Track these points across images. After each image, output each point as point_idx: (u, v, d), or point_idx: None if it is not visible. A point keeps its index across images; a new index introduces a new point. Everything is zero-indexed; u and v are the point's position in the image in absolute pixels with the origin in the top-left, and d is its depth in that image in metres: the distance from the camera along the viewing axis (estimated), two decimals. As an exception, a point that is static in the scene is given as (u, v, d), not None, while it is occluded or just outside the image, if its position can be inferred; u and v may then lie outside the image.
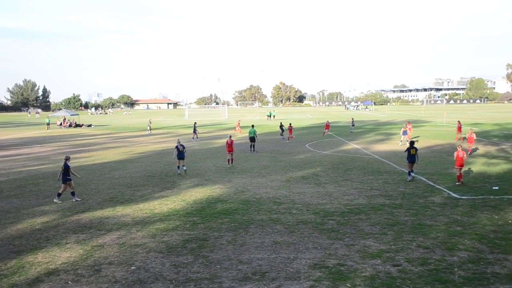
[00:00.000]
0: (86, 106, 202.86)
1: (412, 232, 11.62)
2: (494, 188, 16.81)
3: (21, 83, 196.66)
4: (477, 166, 22.06)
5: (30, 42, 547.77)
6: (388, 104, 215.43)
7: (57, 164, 24.75)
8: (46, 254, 10.57)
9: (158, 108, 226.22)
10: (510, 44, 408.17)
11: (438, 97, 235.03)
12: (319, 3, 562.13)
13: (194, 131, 41.62)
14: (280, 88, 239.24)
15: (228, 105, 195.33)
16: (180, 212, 14.27)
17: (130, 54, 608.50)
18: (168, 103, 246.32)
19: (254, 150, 30.00)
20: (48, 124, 63.19)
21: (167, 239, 11.54)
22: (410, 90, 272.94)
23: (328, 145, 33.69)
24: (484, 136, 37.62)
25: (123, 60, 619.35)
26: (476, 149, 28.90)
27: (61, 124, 66.94)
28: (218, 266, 9.59)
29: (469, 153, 25.91)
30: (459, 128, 35.27)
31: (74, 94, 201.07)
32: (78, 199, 16.11)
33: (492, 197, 15.45)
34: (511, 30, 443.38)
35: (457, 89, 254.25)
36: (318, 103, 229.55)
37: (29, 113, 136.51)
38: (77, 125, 67.08)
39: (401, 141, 33.20)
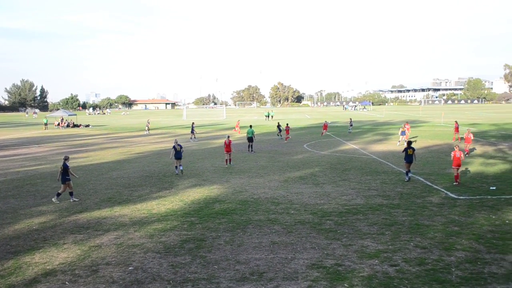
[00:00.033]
0: (84, 106, 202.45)
1: (410, 232, 11.64)
2: (491, 188, 16.86)
3: (19, 83, 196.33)
4: (475, 166, 22.12)
5: (29, 42, 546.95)
6: (386, 104, 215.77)
7: (55, 165, 24.73)
8: (43, 255, 10.55)
9: (156, 108, 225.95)
10: (508, 44, 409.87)
11: (436, 97, 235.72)
12: (317, 3, 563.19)
13: (192, 131, 41.62)
14: (278, 88, 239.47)
15: (226, 105, 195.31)
16: (178, 212, 14.26)
17: (129, 54, 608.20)
18: (166, 103, 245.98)
19: (252, 150, 30.00)
20: (45, 124, 63.08)
21: (164, 239, 11.53)
22: (408, 90, 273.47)
23: (326, 145, 33.71)
24: (481, 136, 37.72)
25: (121, 60, 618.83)
26: (474, 149, 28.97)
27: (58, 124, 66.79)
28: (215, 267, 9.59)
29: (466, 153, 25.97)
30: (457, 128, 35.38)
31: (72, 94, 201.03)
32: (76, 200, 16.09)
33: (489, 197, 15.49)
34: (509, 31, 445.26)
35: (455, 89, 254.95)
36: (316, 103, 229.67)
37: (27, 113, 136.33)
38: (74, 125, 66.95)
39: (399, 141, 33.25)
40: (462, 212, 13.52)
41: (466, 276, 8.83)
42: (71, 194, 16.14)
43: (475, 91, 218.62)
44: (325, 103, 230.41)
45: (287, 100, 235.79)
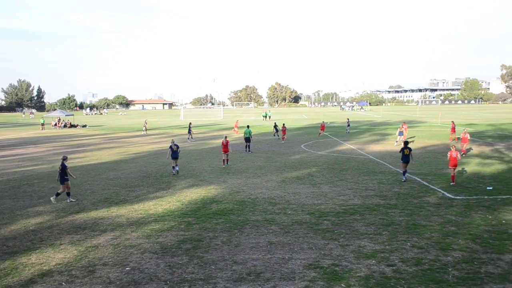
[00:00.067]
0: (81, 106, 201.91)
1: (407, 232, 11.67)
2: (488, 188, 16.91)
3: (16, 83, 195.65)
4: (471, 167, 22.18)
5: (28, 42, 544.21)
6: (384, 104, 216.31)
7: (52, 165, 24.67)
8: (40, 255, 10.52)
9: (154, 108, 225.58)
10: (505, 45, 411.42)
11: (433, 97, 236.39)
12: (315, 3, 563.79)
13: (189, 132, 41.60)
14: (276, 88, 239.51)
15: (224, 105, 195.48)
16: (175, 212, 14.24)
17: (126, 54, 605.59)
18: (164, 104, 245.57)
19: (249, 151, 30.00)
20: (42, 124, 62.86)
21: (162, 239, 11.52)
22: (405, 91, 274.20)
23: (323, 146, 33.75)
24: (478, 137, 37.84)
25: (119, 60, 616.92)
26: (470, 149, 29.07)
27: (55, 124, 66.60)
28: (213, 267, 9.59)
29: (463, 153, 26.05)
30: (453, 129, 35.51)
31: (69, 94, 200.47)
32: (73, 200, 16.05)
33: (486, 197, 15.54)
34: (506, 31, 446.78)
35: (452, 89, 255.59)
36: (314, 104, 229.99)
37: (24, 113, 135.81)
38: (71, 126, 66.78)
39: (396, 141, 33.31)
40: (459, 212, 13.56)
41: (462, 276, 8.86)
42: (68, 194, 16.11)
43: (472, 92, 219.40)
44: (323, 104, 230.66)
45: (285, 100, 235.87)
